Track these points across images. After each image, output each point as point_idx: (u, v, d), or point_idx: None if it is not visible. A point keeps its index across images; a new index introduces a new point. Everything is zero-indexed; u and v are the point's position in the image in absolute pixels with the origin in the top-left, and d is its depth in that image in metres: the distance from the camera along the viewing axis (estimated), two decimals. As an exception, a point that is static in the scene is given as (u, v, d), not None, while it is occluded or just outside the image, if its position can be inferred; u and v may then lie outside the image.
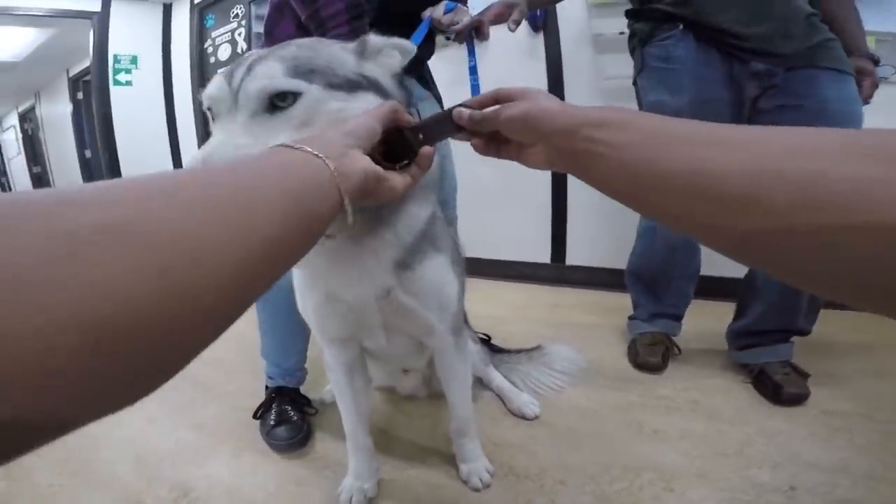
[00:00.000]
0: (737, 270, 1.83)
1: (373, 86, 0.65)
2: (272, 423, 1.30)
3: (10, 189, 7.80)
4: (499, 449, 1.20)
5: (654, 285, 1.61)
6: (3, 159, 8.35)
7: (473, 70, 1.22)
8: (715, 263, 1.69)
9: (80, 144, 5.75)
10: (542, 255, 2.53)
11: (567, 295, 2.33)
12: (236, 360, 1.82)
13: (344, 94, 0.61)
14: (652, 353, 1.52)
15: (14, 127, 7.73)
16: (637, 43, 1.45)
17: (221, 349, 1.64)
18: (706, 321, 1.74)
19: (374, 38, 0.67)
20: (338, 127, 0.51)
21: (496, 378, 1.44)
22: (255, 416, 1.35)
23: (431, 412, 1.37)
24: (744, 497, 0.97)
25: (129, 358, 0.22)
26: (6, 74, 5.79)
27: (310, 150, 0.41)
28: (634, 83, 1.51)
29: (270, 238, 0.31)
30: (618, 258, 2.15)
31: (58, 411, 0.20)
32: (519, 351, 1.55)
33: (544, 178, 2.38)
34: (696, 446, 1.13)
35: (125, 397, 0.24)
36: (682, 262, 1.54)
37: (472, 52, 1.23)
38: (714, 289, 1.92)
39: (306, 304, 0.89)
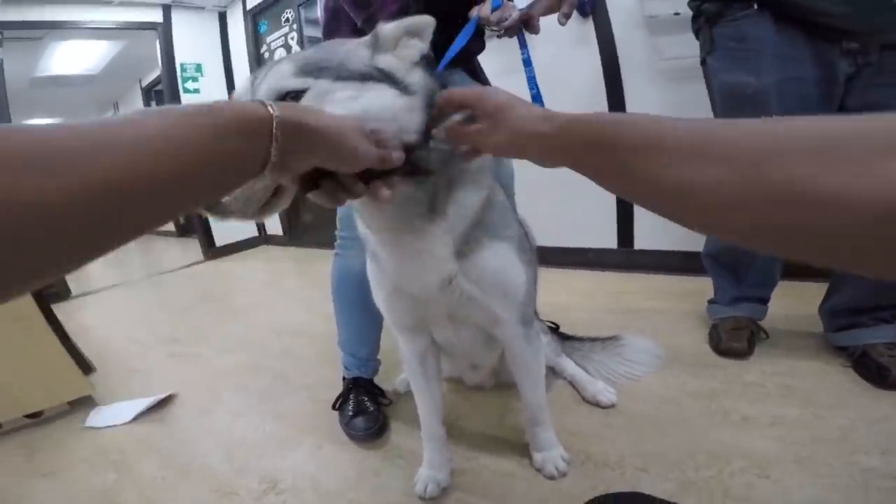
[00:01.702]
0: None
1: (387, 77, 0.64)
2: (350, 413, 1.33)
3: None
4: (574, 437, 1.16)
5: (736, 268, 1.51)
6: None
7: (528, 62, 1.20)
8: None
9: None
10: (609, 240, 2.44)
11: (635, 281, 2.24)
12: (313, 355, 1.91)
13: (356, 84, 0.61)
14: (736, 339, 1.42)
15: None
16: (704, 23, 1.38)
17: (298, 345, 1.75)
18: (794, 303, 1.62)
19: (385, 28, 0.67)
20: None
21: (569, 366, 1.40)
22: (333, 407, 1.39)
23: (499, 402, 1.36)
24: (851, 483, 0.88)
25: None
26: (86, 87, 6.29)
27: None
28: (703, 63, 1.43)
29: (162, 152, 0.32)
30: (691, 240, 2.06)
31: None
32: (593, 339, 1.50)
33: None
34: (792, 432, 1.05)
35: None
36: None
37: (523, 45, 1.22)
38: (801, 269, 1.77)
39: (378, 296, 0.94)
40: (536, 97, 1.21)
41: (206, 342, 2.22)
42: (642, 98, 2.21)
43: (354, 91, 0.61)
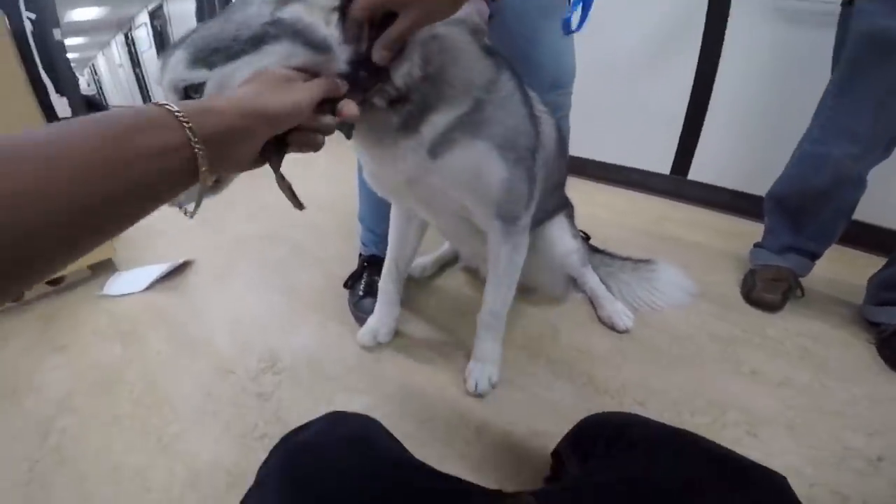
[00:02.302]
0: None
1: (287, 33, 0.56)
2: (361, 293, 1.36)
3: (144, 77, 9.82)
4: (581, 356, 1.20)
5: (800, 215, 1.41)
6: (137, 53, 9.78)
7: None
8: (871, 208, 1.46)
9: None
10: (661, 164, 2.29)
11: (680, 210, 2.14)
12: (332, 229, 1.92)
13: (248, 58, 0.55)
14: (771, 290, 1.38)
15: (145, 24, 8.64)
16: None
17: (318, 217, 1.75)
18: (842, 269, 1.55)
19: None
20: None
21: (591, 280, 1.39)
22: (345, 286, 1.42)
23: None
24: (829, 459, 0.91)
25: None
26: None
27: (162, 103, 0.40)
28: (849, 3, 1.22)
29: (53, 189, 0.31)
30: (748, 181, 1.96)
31: None
32: (625, 259, 1.47)
33: (683, 85, 2.09)
34: (795, 396, 1.06)
35: None
36: (844, 195, 1.33)
37: None
38: (861, 236, 1.68)
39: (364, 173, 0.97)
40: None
41: (232, 208, 2.20)
42: (747, 35, 1.90)
43: (248, 66, 0.54)
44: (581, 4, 1.10)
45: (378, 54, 0.61)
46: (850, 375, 1.12)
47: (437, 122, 0.75)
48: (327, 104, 0.55)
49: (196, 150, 0.40)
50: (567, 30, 1.12)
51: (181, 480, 0.92)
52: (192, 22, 6.25)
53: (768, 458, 0.89)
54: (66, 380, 1.19)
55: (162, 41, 8.16)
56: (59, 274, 1.55)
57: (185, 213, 0.51)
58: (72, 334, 1.37)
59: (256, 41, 0.55)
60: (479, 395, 1.07)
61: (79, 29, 9.29)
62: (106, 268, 1.72)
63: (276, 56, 0.55)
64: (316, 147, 0.56)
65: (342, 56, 0.59)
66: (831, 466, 0.90)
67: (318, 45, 0.57)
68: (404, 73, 0.67)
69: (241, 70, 0.54)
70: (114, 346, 1.30)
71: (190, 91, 0.54)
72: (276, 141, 0.52)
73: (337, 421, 0.68)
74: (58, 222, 0.32)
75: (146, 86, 10.05)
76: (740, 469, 0.52)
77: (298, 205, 0.59)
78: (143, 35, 8.91)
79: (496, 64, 0.81)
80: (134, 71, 10.37)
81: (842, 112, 1.25)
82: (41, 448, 1.00)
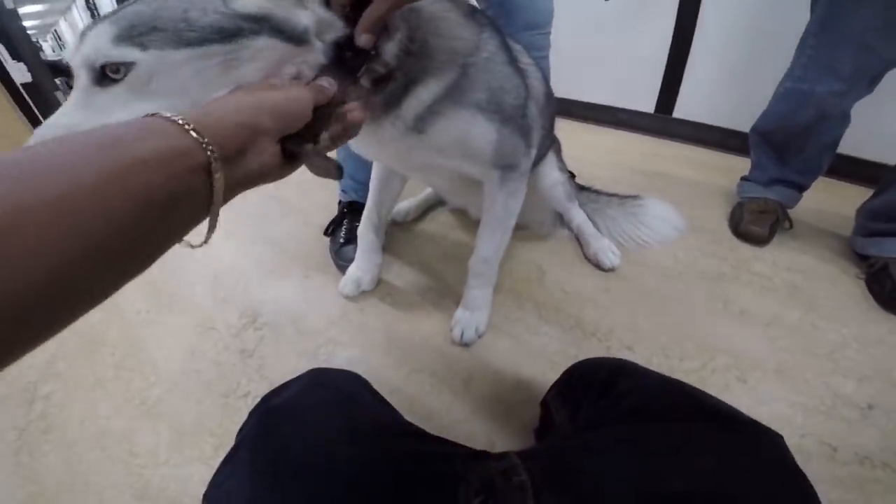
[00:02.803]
0: (884, 154, 1.56)
1: (265, 28, 0.48)
2: (342, 241, 1.31)
3: None
4: (568, 298, 1.17)
5: (785, 150, 1.38)
6: (99, 16, 8.87)
7: None
8: (856, 141, 1.43)
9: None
10: (646, 103, 2.20)
11: (667, 147, 2.08)
12: (312, 176, 1.83)
13: (215, 48, 0.46)
14: (758, 222, 1.36)
15: None
16: None
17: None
18: (831, 199, 1.52)
19: None
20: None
21: (578, 216, 1.35)
22: (325, 233, 1.37)
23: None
24: (819, 406, 0.90)
25: None
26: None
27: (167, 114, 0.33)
28: None
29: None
30: (735, 118, 1.92)
31: None
32: (611, 195, 1.43)
33: (666, 21, 1.98)
34: (784, 337, 1.05)
35: None
36: (829, 130, 1.29)
37: None
38: (848, 168, 1.66)
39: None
40: None
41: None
42: None
43: (214, 59, 0.46)
44: None
45: (360, 38, 0.54)
46: (839, 314, 1.11)
47: (422, 96, 0.70)
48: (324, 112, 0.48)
49: (208, 152, 0.32)
50: None
51: (166, 443, 0.91)
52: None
53: (758, 405, 0.90)
54: (48, 345, 1.11)
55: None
56: None
57: (190, 246, 0.43)
58: (50, 298, 1.32)
59: (227, 33, 0.47)
60: (464, 345, 1.05)
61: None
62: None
63: (252, 51, 0.48)
64: (344, 140, 0.52)
65: (319, 47, 0.52)
66: (821, 415, 0.89)
67: (298, 38, 0.50)
68: (392, 51, 0.63)
69: (205, 60, 0.46)
70: (94, 310, 1.25)
71: (108, 70, 0.45)
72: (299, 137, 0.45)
73: (318, 380, 0.66)
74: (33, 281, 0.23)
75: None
76: (736, 425, 0.50)
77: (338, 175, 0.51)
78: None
79: (478, 25, 0.76)
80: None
81: (823, 50, 1.21)
82: (27, 415, 0.99)
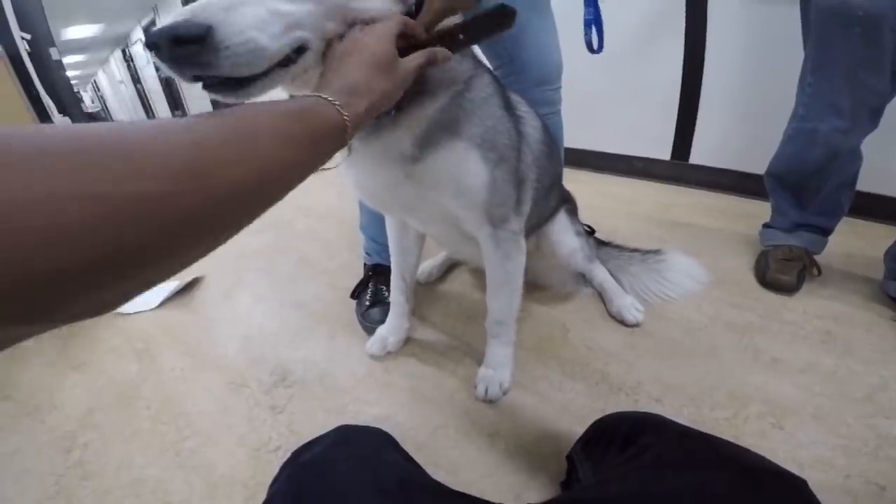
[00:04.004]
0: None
1: None
2: (367, 303, 1.34)
3: (146, 93, 10.16)
4: (592, 353, 1.17)
5: (802, 191, 1.38)
6: (136, 69, 10.18)
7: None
8: (878, 178, 1.42)
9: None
10: (661, 150, 2.25)
11: (685, 195, 2.10)
12: (338, 239, 1.91)
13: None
14: (785, 270, 1.34)
15: (140, 40, 8.74)
16: None
17: (323, 227, 1.74)
18: (858, 242, 1.50)
19: None
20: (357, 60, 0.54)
21: (599, 274, 1.36)
22: (352, 296, 1.41)
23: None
24: (862, 448, 0.86)
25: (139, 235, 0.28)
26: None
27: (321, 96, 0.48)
28: None
29: (270, 158, 0.38)
30: (751, 161, 1.93)
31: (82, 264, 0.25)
32: (633, 250, 1.44)
33: (674, 67, 2.05)
34: (820, 383, 1.02)
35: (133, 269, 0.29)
36: (842, 168, 1.30)
37: None
38: (873, 207, 1.63)
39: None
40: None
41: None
42: (727, 16, 1.89)
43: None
44: (594, 25, 1.21)
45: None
46: (877, 358, 1.07)
47: (414, 120, 0.75)
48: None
49: (346, 124, 0.48)
50: (591, 50, 1.30)
51: (199, 493, 0.92)
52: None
53: (797, 450, 0.86)
54: (86, 397, 1.21)
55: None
56: None
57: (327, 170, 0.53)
58: (89, 353, 1.39)
59: None
60: (489, 401, 1.05)
61: (76, 47, 9.38)
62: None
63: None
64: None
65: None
66: (865, 456, 0.85)
67: None
68: None
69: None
70: (130, 364, 1.32)
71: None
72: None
73: (345, 437, 0.67)
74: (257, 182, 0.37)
75: (149, 102, 10.13)
76: (753, 475, 0.49)
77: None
78: (141, 51, 9.02)
79: (474, 64, 0.82)
80: (135, 87, 10.47)
81: (820, 88, 1.24)
82: (65, 463, 1.02)
